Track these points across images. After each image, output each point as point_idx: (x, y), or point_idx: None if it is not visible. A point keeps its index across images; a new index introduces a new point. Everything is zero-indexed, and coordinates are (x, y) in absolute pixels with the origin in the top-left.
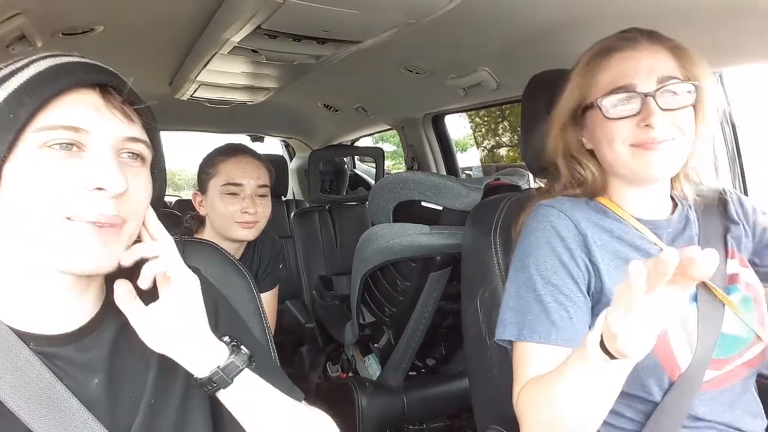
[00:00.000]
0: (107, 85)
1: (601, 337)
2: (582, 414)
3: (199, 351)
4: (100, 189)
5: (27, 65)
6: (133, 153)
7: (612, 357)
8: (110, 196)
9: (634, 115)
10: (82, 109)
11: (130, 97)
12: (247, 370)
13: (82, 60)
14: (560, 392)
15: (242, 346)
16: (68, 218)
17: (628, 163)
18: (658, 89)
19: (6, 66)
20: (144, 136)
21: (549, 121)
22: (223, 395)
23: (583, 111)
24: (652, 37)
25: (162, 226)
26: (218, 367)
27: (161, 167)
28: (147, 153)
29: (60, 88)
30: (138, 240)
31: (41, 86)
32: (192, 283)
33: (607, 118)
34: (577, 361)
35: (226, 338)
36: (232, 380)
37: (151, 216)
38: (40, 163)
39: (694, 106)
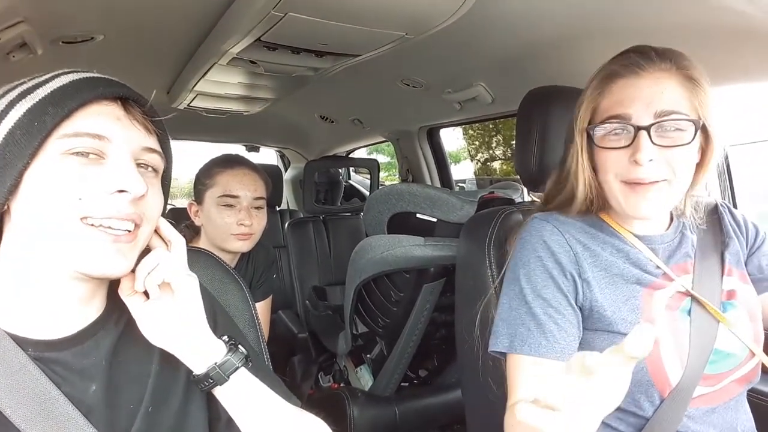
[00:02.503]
0: (128, 98)
1: None
2: None
3: (195, 349)
4: (121, 192)
5: (51, 79)
6: (147, 164)
7: None
8: (130, 199)
9: (626, 147)
10: (104, 119)
11: (148, 110)
12: (243, 369)
13: (103, 76)
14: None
15: (240, 346)
16: (83, 219)
17: (619, 200)
18: (654, 124)
19: (30, 80)
20: (159, 147)
21: (567, 137)
22: (219, 392)
23: (587, 134)
24: (663, 58)
25: (172, 227)
26: (215, 363)
27: (168, 177)
28: (160, 165)
29: (84, 100)
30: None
31: (66, 98)
32: (191, 286)
33: (599, 146)
34: None
35: (225, 337)
36: (228, 377)
37: (161, 219)
38: (61, 169)
39: (702, 143)
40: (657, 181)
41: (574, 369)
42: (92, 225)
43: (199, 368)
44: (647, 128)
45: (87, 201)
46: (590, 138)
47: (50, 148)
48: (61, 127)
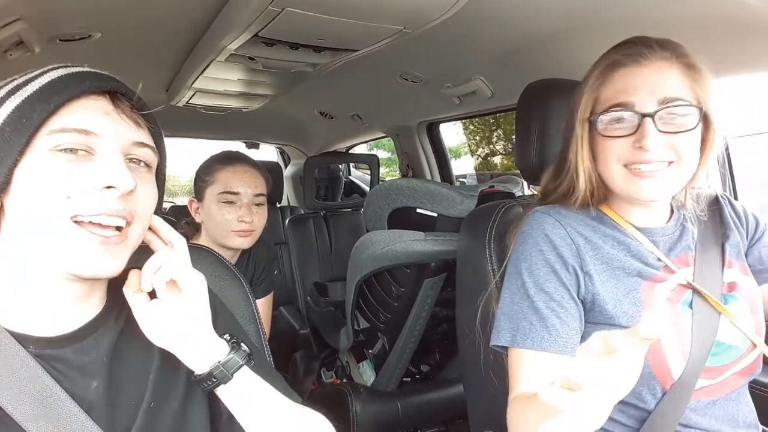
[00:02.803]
0: (117, 92)
1: None
2: None
3: (200, 348)
4: (109, 187)
5: (40, 75)
6: (138, 159)
7: None
8: (119, 195)
9: (630, 135)
10: (92, 114)
11: (138, 103)
12: (246, 368)
13: (93, 70)
14: (533, 426)
15: (242, 344)
16: (73, 218)
17: (620, 185)
18: (658, 110)
19: (22, 76)
20: (151, 142)
21: (565, 129)
22: (222, 391)
23: (589, 124)
24: (663, 47)
25: (170, 227)
26: (219, 362)
27: (163, 172)
28: (153, 160)
29: (72, 94)
30: (146, 247)
31: (53, 93)
32: (198, 284)
33: (603, 135)
34: (541, 408)
35: (227, 336)
36: (232, 375)
37: (158, 220)
38: (50, 165)
39: (702, 131)
40: (660, 167)
41: (594, 348)
42: (81, 222)
43: (201, 368)
44: (651, 115)
45: (75, 199)
46: (592, 128)
47: (38, 145)
48: (48, 123)
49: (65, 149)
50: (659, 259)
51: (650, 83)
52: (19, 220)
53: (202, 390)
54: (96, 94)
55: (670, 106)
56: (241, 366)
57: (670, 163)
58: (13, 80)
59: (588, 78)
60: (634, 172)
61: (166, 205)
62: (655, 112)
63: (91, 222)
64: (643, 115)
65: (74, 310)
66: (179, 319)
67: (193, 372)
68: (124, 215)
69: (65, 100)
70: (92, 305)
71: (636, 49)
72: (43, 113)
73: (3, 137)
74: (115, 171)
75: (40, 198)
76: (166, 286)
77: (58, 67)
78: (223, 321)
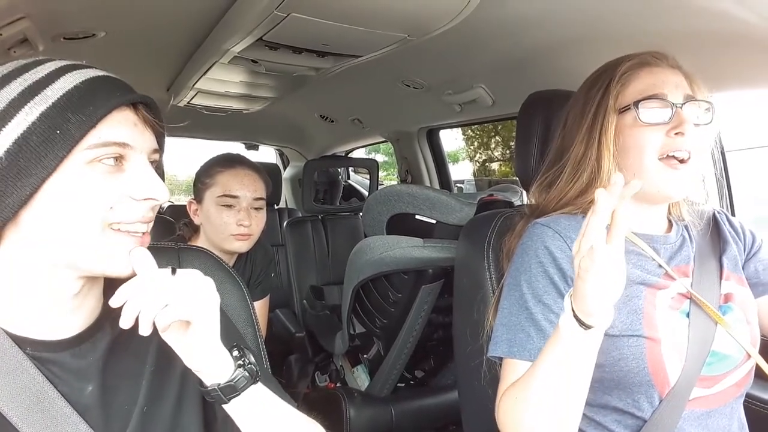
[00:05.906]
0: (138, 102)
1: (573, 311)
2: (558, 409)
3: (207, 361)
4: (148, 199)
5: (54, 76)
6: (152, 162)
7: (584, 326)
8: (153, 204)
9: (665, 123)
10: (124, 126)
11: (156, 114)
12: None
13: (111, 75)
14: (536, 387)
15: (250, 363)
16: (111, 225)
17: (653, 178)
18: (686, 102)
19: (22, 71)
20: (157, 145)
21: (569, 132)
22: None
23: (618, 116)
24: (671, 60)
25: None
26: (218, 385)
27: (161, 167)
28: (158, 158)
29: (110, 108)
30: None
31: (86, 103)
32: (210, 318)
33: (641, 122)
34: (550, 347)
35: (235, 353)
36: (229, 400)
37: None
38: (90, 179)
39: None
40: (693, 155)
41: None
42: (118, 230)
43: (208, 381)
44: (682, 105)
45: (117, 210)
46: (619, 121)
47: (75, 158)
48: (87, 137)
49: (105, 160)
50: (660, 266)
51: (674, 80)
52: (45, 233)
53: (209, 401)
54: (123, 104)
55: (694, 100)
56: (237, 395)
57: (698, 155)
58: (13, 77)
59: (611, 74)
60: (668, 163)
61: (164, 205)
62: (685, 103)
63: (127, 231)
64: (676, 105)
65: (72, 314)
66: (186, 349)
67: (188, 379)
68: (150, 221)
69: (104, 114)
70: (89, 310)
71: (650, 56)
72: (82, 127)
73: (29, 147)
74: (154, 183)
75: (78, 210)
76: (173, 325)
77: (71, 68)
78: (229, 334)
